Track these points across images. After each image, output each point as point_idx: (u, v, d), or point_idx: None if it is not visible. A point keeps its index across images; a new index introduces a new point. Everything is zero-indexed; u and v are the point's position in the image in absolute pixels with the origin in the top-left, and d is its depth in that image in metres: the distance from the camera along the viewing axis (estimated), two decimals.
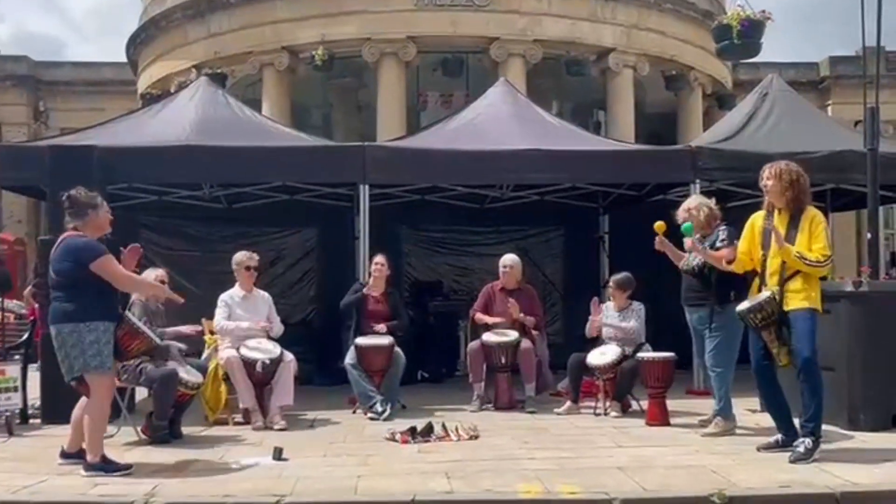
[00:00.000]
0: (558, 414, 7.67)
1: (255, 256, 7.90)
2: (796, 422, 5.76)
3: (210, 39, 18.46)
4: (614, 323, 7.77)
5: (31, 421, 7.31)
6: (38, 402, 7.47)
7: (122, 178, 8.50)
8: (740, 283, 6.16)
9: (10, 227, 22.59)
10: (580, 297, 10.85)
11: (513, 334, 8.06)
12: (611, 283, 8.06)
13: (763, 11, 11.12)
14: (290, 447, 5.97)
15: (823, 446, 5.68)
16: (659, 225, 6.60)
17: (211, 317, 7.72)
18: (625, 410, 7.65)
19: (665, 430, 6.89)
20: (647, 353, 7.46)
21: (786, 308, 5.63)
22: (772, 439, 5.89)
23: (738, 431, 6.61)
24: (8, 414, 6.92)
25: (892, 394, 6.68)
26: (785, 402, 5.84)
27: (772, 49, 27.99)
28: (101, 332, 5.43)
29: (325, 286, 11.09)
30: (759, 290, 5.77)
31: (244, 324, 7.54)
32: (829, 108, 22.52)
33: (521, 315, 8.14)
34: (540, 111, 10.63)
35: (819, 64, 24.60)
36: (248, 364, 7.26)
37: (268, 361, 7.25)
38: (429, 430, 6.58)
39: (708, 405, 6.94)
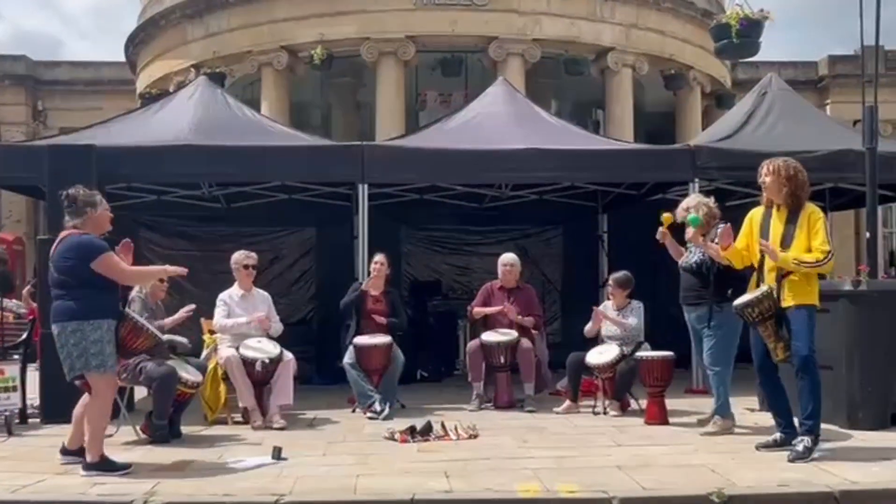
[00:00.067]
0: (557, 413, 7.68)
1: (254, 255, 7.90)
2: (796, 421, 5.77)
3: (209, 39, 18.45)
4: (614, 317, 7.76)
5: (30, 420, 7.30)
6: (37, 402, 7.47)
7: (121, 178, 8.52)
8: (738, 282, 6.17)
9: (8, 227, 22.59)
10: (579, 296, 10.91)
11: (512, 333, 8.06)
12: (610, 282, 8.07)
13: (762, 10, 11.11)
14: (290, 446, 5.97)
15: (822, 445, 5.69)
16: (666, 216, 6.64)
17: (210, 316, 7.72)
18: (624, 409, 7.66)
19: (664, 429, 6.90)
20: (645, 352, 7.47)
21: (783, 305, 5.63)
22: (770, 438, 5.89)
23: (736, 430, 6.62)
24: (7, 413, 6.92)
25: (891, 392, 6.69)
26: (787, 400, 5.84)
27: (771, 48, 28.00)
28: (105, 330, 5.42)
29: (323, 286, 11.11)
30: (758, 286, 5.78)
31: (242, 319, 7.53)
32: (828, 107, 22.52)
33: (519, 318, 8.15)
34: (539, 110, 10.64)
35: (818, 63, 24.60)
36: (248, 363, 7.25)
37: (267, 361, 7.25)
38: (428, 429, 6.58)
39: (707, 404, 6.95)
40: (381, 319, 8.08)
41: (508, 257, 8.54)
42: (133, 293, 7.18)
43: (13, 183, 9.78)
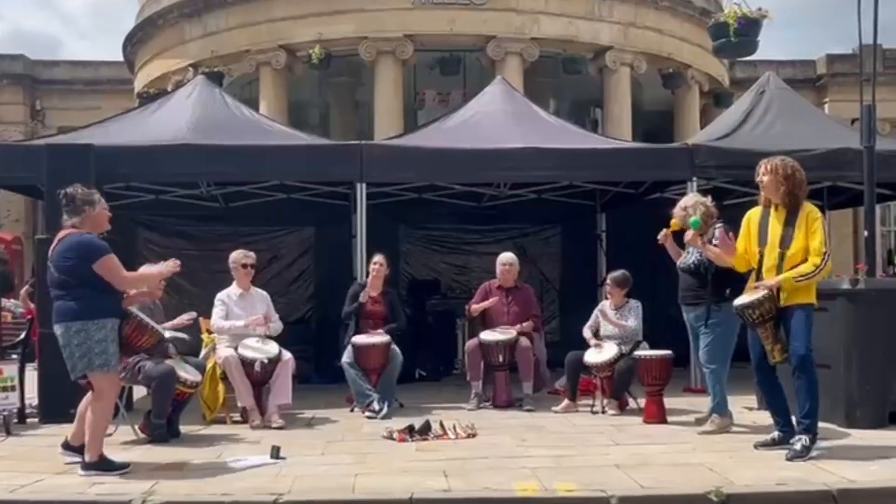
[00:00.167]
0: (556, 412, 7.69)
1: (252, 255, 7.89)
2: (794, 420, 5.78)
3: (207, 38, 18.42)
4: (614, 321, 7.76)
5: (28, 420, 7.30)
6: (35, 402, 7.46)
7: (119, 177, 8.51)
8: (736, 282, 6.17)
9: (7, 227, 22.56)
10: (577, 294, 10.93)
11: (510, 332, 8.06)
12: (608, 281, 8.07)
13: (760, 9, 11.10)
14: (288, 446, 5.98)
15: (820, 444, 5.70)
16: (674, 222, 6.66)
17: (208, 315, 7.72)
18: (622, 408, 7.67)
19: (662, 428, 6.91)
20: (644, 351, 7.47)
21: (781, 304, 5.64)
22: (769, 437, 5.90)
23: (735, 429, 6.62)
24: (6, 413, 6.91)
25: (889, 391, 6.69)
26: (784, 399, 5.85)
27: (769, 47, 28.03)
28: (109, 329, 5.41)
29: (322, 285, 11.11)
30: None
31: (239, 322, 7.52)
32: (826, 106, 22.51)
33: (519, 327, 8.15)
34: (537, 109, 10.64)
35: (816, 62, 24.58)
36: (247, 363, 7.25)
37: (266, 361, 7.25)
38: (426, 428, 6.58)
39: (705, 403, 6.95)
40: (379, 331, 8.04)
41: (507, 256, 8.55)
42: (132, 291, 7.16)
43: (11, 182, 9.76)
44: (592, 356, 7.65)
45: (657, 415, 7.11)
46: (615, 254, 10.53)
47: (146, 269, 6.73)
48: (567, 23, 17.60)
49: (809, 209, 5.72)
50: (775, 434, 5.85)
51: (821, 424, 5.75)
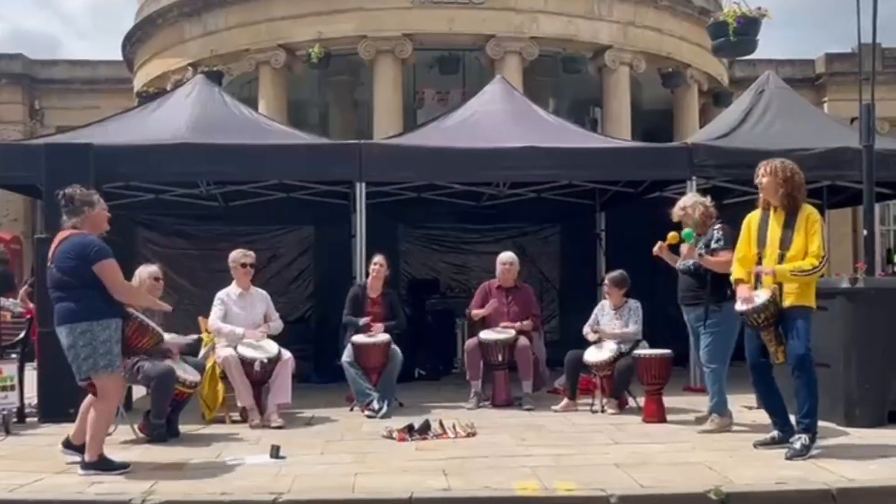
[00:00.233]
0: (555, 411, 7.69)
1: (251, 254, 7.89)
2: (792, 418, 5.78)
3: (206, 37, 18.42)
4: (616, 331, 7.74)
5: (27, 420, 7.30)
6: (34, 401, 7.46)
7: (118, 177, 8.50)
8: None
9: (6, 226, 22.54)
10: (577, 294, 10.94)
11: (510, 332, 8.06)
12: (606, 281, 8.07)
13: (759, 8, 11.10)
14: (288, 445, 5.98)
15: (820, 442, 5.70)
16: (672, 235, 6.67)
17: (208, 315, 7.71)
18: (622, 407, 7.67)
19: (662, 427, 6.91)
20: (643, 350, 7.47)
21: (782, 305, 5.64)
22: (768, 436, 5.90)
23: (734, 428, 6.62)
24: (5, 413, 6.91)
25: (888, 390, 6.69)
26: (781, 398, 5.86)
27: (768, 46, 28.01)
28: (114, 329, 5.40)
29: (321, 284, 11.11)
30: (755, 288, 5.78)
31: (239, 330, 7.47)
32: (826, 105, 22.51)
33: (519, 325, 8.15)
34: (536, 108, 10.63)
35: (815, 61, 24.59)
36: (246, 363, 7.25)
37: (266, 360, 7.25)
38: (426, 427, 6.58)
39: (705, 402, 6.94)
40: (378, 327, 8.03)
41: (507, 256, 8.55)
42: None
43: (10, 182, 9.75)
44: (592, 355, 7.65)
45: (657, 414, 7.12)
46: (614, 253, 10.53)
47: (142, 270, 6.81)
48: (566, 22, 17.60)
49: (809, 211, 5.72)
50: (775, 433, 5.86)
51: (820, 423, 5.75)
